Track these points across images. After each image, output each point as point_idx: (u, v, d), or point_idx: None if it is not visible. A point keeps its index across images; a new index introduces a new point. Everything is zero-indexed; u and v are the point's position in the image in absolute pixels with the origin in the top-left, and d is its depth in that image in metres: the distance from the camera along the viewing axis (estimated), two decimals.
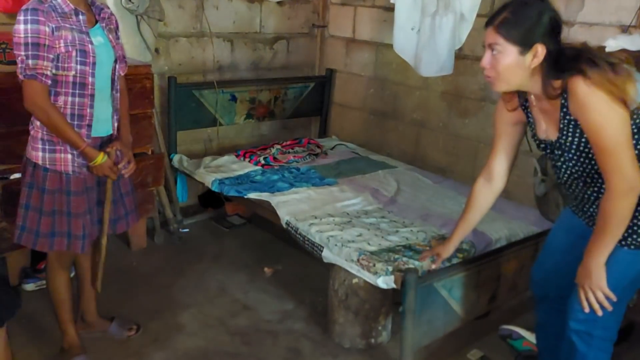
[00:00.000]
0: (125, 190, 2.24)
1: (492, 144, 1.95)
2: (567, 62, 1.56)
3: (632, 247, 1.65)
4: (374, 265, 2.24)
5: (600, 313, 1.66)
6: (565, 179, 1.74)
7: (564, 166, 1.71)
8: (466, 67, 3.30)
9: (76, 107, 1.98)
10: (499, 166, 1.95)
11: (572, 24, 2.78)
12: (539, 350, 2.12)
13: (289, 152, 3.61)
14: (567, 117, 1.61)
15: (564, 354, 1.80)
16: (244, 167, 3.35)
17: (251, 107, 3.77)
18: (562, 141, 1.66)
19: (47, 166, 2.00)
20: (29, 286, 2.74)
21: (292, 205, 2.81)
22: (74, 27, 1.92)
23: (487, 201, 2.03)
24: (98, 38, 2.01)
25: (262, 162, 3.42)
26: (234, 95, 3.67)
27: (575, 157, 1.66)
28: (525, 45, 1.56)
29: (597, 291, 1.65)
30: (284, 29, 3.97)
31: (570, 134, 1.63)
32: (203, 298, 2.78)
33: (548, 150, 1.74)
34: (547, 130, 1.71)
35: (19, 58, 1.86)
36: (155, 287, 2.84)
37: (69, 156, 2.01)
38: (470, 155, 3.39)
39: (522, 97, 1.76)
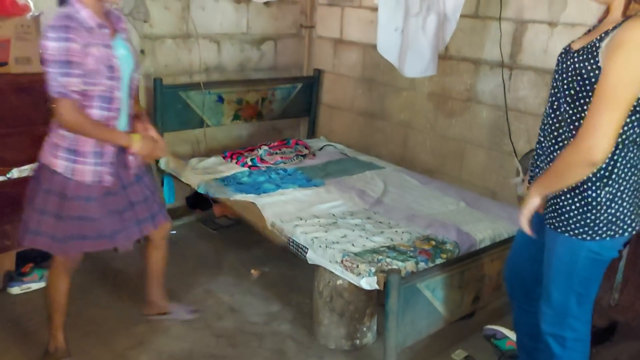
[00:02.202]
0: (153, 186, 2.32)
1: None
2: None
3: (560, 230, 1.64)
4: (357, 266, 2.24)
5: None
6: (550, 90, 1.68)
7: (558, 72, 1.63)
8: (452, 68, 3.31)
9: (102, 120, 2.01)
10: None
11: (556, 25, 2.80)
12: (517, 348, 2.14)
13: (276, 153, 3.61)
14: (596, 45, 1.52)
15: (544, 355, 1.80)
16: (231, 169, 3.35)
17: (238, 108, 3.77)
18: (577, 54, 1.57)
19: (68, 175, 2.02)
20: (14, 290, 2.73)
21: (277, 207, 2.81)
22: (100, 42, 1.94)
23: None
24: (120, 50, 2.03)
25: (249, 163, 3.41)
26: (221, 97, 3.67)
27: (568, 69, 1.58)
28: None
29: (519, 215, 1.67)
30: (272, 29, 3.97)
31: (584, 55, 1.54)
32: (189, 301, 2.77)
33: (560, 58, 1.66)
34: (577, 42, 1.64)
35: (50, 75, 1.87)
36: (141, 290, 2.80)
37: (88, 167, 2.03)
38: (457, 156, 3.40)
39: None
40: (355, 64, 3.90)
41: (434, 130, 3.50)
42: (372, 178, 3.32)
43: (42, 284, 2.78)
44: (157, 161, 3.44)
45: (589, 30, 1.69)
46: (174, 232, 3.47)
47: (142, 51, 3.39)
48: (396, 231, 2.61)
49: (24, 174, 2.57)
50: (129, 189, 2.18)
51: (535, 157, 1.75)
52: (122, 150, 2.11)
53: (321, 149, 3.85)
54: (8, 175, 2.57)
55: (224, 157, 3.52)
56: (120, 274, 3.00)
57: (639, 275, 2.32)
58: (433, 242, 2.48)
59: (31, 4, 2.65)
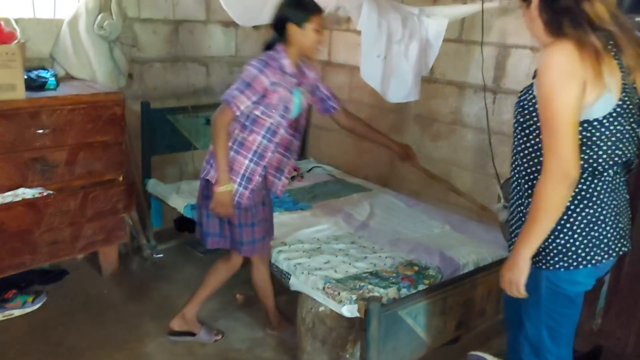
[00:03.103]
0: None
1: None
2: (554, 14, 1.48)
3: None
4: (339, 293, 2.23)
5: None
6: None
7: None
8: (437, 91, 3.34)
9: (261, 147, 2.32)
10: None
11: (538, 50, 2.82)
12: None
13: None
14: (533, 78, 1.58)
15: None
16: None
17: None
18: (528, 88, 1.62)
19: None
20: None
21: None
22: (287, 86, 2.27)
23: None
24: (295, 98, 2.33)
25: None
26: (209, 119, 3.67)
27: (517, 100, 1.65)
28: None
29: (512, 287, 1.58)
30: (260, 52, 3.99)
31: (528, 87, 1.60)
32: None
33: None
34: None
35: (232, 86, 2.24)
36: (124, 315, 2.82)
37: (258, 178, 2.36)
38: (444, 178, 3.40)
39: None
40: (343, 85, 3.92)
41: (420, 153, 3.50)
42: (359, 201, 3.32)
43: (25, 310, 2.77)
44: (144, 184, 3.45)
45: None
46: (161, 255, 3.47)
47: (130, 75, 3.41)
48: (380, 256, 2.60)
49: (7, 200, 2.57)
50: (267, 207, 2.51)
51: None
52: (276, 173, 2.45)
53: (310, 170, 3.86)
54: None
55: None
56: (103, 299, 2.98)
57: (621, 301, 2.32)
58: (416, 268, 2.48)
59: (18, 32, 2.67)
